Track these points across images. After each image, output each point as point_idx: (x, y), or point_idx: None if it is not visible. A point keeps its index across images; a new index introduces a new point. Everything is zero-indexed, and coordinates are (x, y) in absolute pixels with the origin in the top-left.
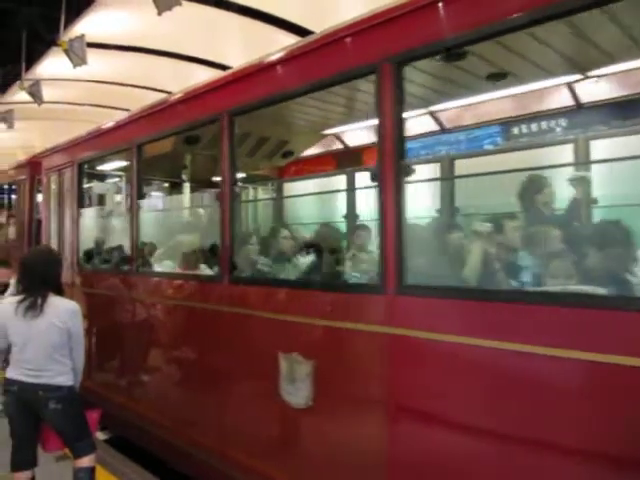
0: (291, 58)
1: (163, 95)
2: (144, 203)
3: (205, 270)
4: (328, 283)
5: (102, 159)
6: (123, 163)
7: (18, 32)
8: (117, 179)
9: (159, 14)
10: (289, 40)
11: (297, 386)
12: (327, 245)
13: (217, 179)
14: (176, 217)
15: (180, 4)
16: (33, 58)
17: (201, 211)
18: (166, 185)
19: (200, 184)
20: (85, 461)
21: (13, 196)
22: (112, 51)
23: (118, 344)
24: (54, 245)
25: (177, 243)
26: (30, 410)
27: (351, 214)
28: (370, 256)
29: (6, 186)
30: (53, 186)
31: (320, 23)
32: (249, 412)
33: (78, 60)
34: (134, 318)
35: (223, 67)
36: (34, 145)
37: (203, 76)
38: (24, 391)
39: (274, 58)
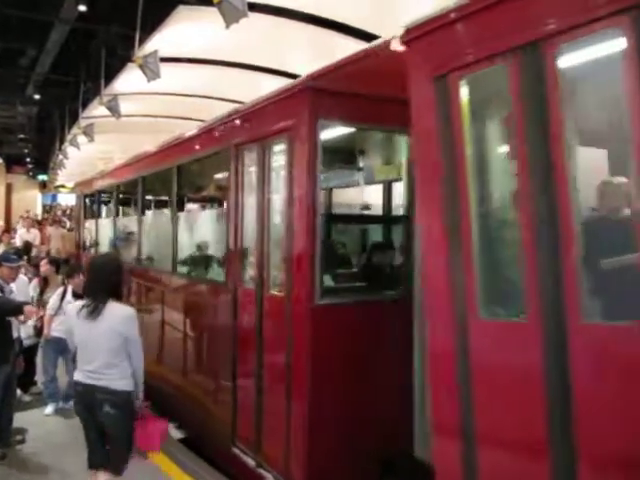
0: None
1: (234, 105)
2: None
3: None
4: None
5: None
6: None
7: (97, 51)
8: None
9: (227, 27)
10: (354, 45)
11: None
12: None
13: None
14: None
15: (247, 16)
16: (110, 75)
17: None
18: None
19: None
20: (102, 477)
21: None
22: (184, 64)
23: None
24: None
25: None
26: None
27: None
28: None
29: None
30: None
31: (386, 27)
32: None
33: (152, 74)
34: None
35: (289, 75)
36: (113, 157)
37: (271, 85)
38: (85, 392)
39: None
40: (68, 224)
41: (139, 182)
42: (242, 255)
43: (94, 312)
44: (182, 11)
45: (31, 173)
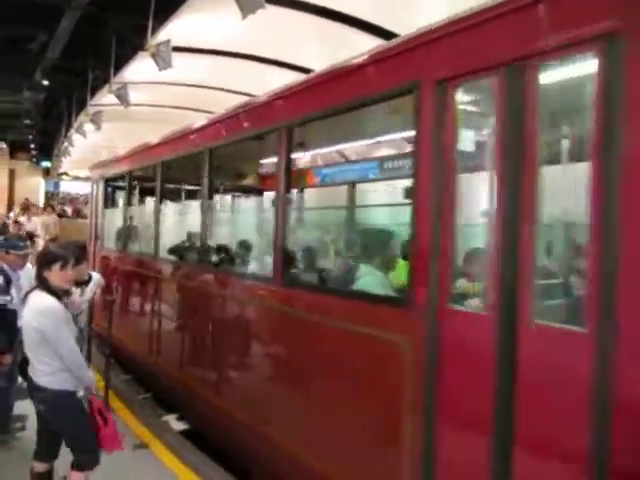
0: None
1: (244, 98)
2: None
3: None
4: None
5: None
6: None
7: (108, 39)
8: None
9: (243, 18)
10: (368, 41)
11: None
12: None
13: None
14: None
15: (264, 7)
16: (120, 63)
17: None
18: None
19: None
20: (76, 477)
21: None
22: (195, 55)
23: None
24: None
25: None
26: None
27: None
28: None
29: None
30: None
31: (399, 24)
32: None
33: (164, 64)
34: None
35: (301, 69)
36: (117, 145)
37: (282, 79)
38: (28, 385)
39: None
40: (69, 212)
41: (205, 156)
42: (453, 256)
43: (24, 300)
44: (196, 0)
45: (35, 159)
